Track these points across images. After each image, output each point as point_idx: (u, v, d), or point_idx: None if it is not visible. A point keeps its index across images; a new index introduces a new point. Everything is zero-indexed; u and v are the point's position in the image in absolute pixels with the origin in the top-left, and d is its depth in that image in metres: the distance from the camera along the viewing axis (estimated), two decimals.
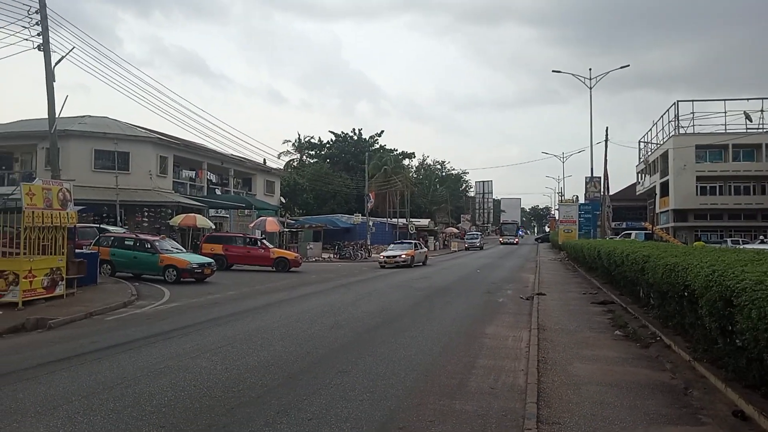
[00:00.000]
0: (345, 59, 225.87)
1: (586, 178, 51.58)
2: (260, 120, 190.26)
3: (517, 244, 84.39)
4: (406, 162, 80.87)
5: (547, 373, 7.98)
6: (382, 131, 79.25)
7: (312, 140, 77.38)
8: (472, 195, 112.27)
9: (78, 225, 18.29)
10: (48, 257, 14.39)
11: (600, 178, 45.77)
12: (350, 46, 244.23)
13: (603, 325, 12.07)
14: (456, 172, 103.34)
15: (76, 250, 17.42)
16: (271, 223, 35.63)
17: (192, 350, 9.44)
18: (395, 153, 76.09)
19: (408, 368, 8.33)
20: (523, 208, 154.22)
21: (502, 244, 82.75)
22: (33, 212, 13.82)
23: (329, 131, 79.76)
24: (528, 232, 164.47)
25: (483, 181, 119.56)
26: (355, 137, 76.60)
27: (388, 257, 31.72)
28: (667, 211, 57.93)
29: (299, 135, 77.77)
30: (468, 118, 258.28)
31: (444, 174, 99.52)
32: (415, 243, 36.14)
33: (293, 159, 75.40)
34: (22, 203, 13.98)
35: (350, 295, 17.82)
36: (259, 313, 14.00)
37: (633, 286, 14.39)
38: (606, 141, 41.56)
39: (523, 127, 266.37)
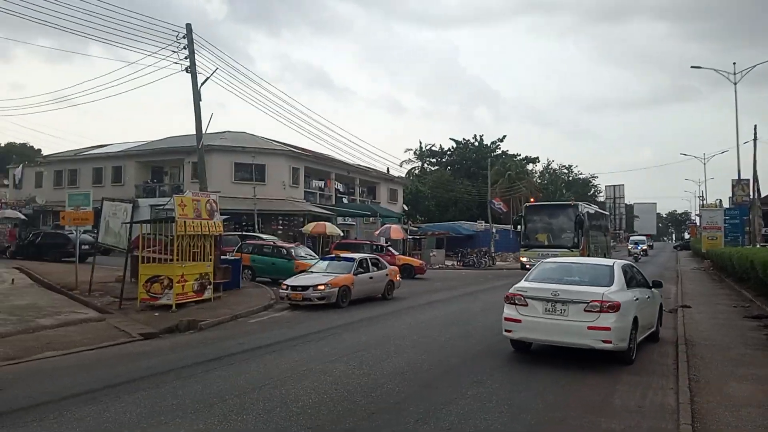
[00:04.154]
0: (463, 66, 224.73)
1: (732, 180, 47.35)
2: (382, 130, 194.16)
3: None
4: (530, 167, 78.84)
5: (700, 392, 7.43)
6: (504, 136, 77.14)
7: (433, 148, 77.74)
8: (602, 200, 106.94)
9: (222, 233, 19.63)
10: (198, 263, 15.61)
11: (748, 180, 41.91)
12: (468, 53, 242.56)
13: (759, 341, 11.03)
14: (584, 176, 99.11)
15: (221, 257, 18.72)
16: (396, 231, 36.17)
17: (330, 354, 9.83)
18: (518, 158, 74.47)
19: (546, 381, 8.12)
20: (658, 213, 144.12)
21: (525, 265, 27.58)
22: (185, 222, 15.04)
23: (450, 138, 79.54)
24: (665, 239, 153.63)
25: (614, 186, 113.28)
26: (476, 143, 75.82)
27: (295, 288, 16.24)
28: None
29: (420, 143, 78.26)
30: (595, 120, 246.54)
31: (571, 178, 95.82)
32: (365, 260, 18.37)
33: (415, 167, 76.12)
34: (174, 213, 15.28)
35: (478, 304, 17.65)
36: (389, 319, 14.29)
37: None
38: (755, 140, 38.08)
39: (657, 127, 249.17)
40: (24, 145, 72.82)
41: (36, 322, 12.31)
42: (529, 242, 29.34)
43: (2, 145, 76.26)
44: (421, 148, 77.34)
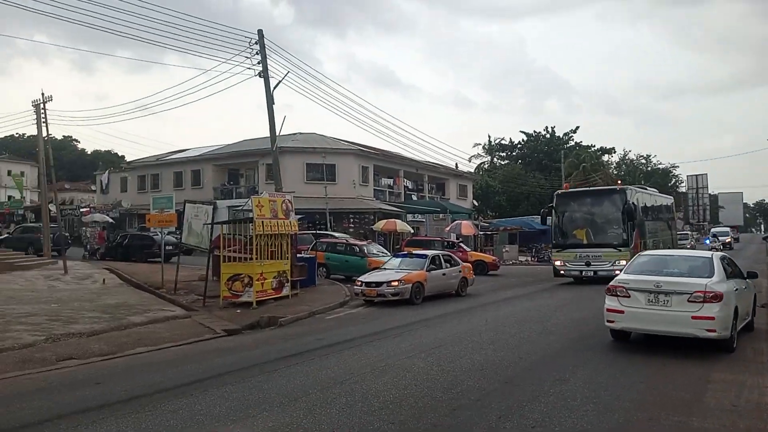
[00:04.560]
0: (531, 57, 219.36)
1: None
2: (449, 126, 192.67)
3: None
4: (605, 158, 76.10)
5: None
6: (577, 127, 74.87)
7: (502, 141, 76.49)
8: (684, 190, 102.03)
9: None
10: (275, 262, 16.05)
11: None
12: (535, 44, 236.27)
13: None
14: (663, 166, 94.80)
15: (297, 255, 19.15)
16: (467, 227, 35.86)
17: (407, 350, 9.87)
18: (593, 149, 72.10)
19: (632, 379, 7.86)
20: (745, 203, 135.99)
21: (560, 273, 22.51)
22: (262, 222, 15.50)
23: (520, 131, 77.81)
24: (753, 230, 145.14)
25: (696, 175, 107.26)
26: (548, 135, 73.92)
27: (369, 285, 16.50)
28: None
29: (489, 137, 77.15)
30: (673, 107, 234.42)
31: (649, 169, 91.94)
32: (437, 257, 18.24)
33: (484, 162, 75.11)
34: (252, 214, 15.76)
35: (554, 300, 17.26)
36: (465, 316, 14.20)
37: None
38: None
39: (740, 113, 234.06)
40: (109, 152, 77.16)
41: (127, 320, 13.02)
42: (563, 240, 22.54)
43: (89, 152, 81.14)
44: (490, 142, 76.28)
